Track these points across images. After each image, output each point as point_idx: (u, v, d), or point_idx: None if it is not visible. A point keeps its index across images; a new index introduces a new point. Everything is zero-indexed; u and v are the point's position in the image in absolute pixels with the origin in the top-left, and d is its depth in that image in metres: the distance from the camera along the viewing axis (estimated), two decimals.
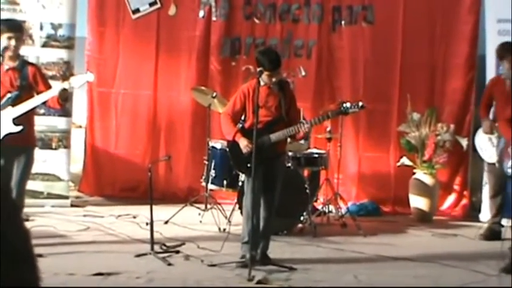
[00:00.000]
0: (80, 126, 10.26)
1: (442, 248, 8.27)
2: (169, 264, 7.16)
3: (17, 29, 7.86)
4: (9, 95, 7.44)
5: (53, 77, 8.54)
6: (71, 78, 8.11)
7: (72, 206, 9.65)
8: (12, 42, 7.51)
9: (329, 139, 9.02)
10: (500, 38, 9.30)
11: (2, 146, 7.36)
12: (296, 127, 7.36)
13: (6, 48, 7.49)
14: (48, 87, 7.62)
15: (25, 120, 7.49)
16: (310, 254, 7.75)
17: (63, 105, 8.29)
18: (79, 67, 9.56)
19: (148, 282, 6.64)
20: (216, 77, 10.10)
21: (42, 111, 8.20)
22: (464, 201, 9.86)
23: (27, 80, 7.53)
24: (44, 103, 7.78)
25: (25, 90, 7.48)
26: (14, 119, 7.41)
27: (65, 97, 7.65)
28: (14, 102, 7.43)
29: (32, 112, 7.59)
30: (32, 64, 7.87)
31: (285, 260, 7.28)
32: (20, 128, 7.42)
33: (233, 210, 8.37)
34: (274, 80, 7.21)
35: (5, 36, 7.58)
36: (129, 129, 10.33)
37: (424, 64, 9.97)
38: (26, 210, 7.93)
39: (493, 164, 8.55)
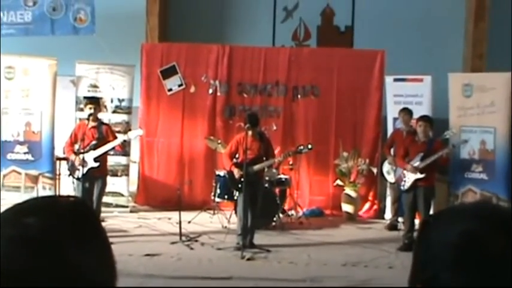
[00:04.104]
0: (135, 162, 10.22)
1: (361, 236, 8.31)
2: (191, 249, 7.23)
3: (96, 102, 8.00)
4: (92, 143, 7.54)
5: (119, 132, 8.58)
6: (129, 133, 8.27)
7: (130, 212, 9.61)
8: (93, 110, 7.63)
9: (291, 169, 9.08)
10: (396, 106, 9.46)
11: (87, 175, 7.45)
12: (271, 161, 7.49)
13: (90, 115, 7.61)
14: (115, 138, 7.73)
15: (101, 158, 7.59)
16: (279, 241, 7.77)
17: (124, 148, 8.39)
18: (134, 125, 9.61)
19: (178, 260, 6.72)
20: (220, 131, 10.00)
21: (111, 152, 8.22)
22: (375, 207, 9.82)
23: (103, 134, 7.63)
24: (113, 148, 7.89)
25: (101, 140, 7.57)
26: (94, 158, 7.50)
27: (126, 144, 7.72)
28: (95, 147, 7.53)
29: (105, 153, 7.69)
30: (105, 124, 7.99)
31: (263, 245, 7.32)
32: (98, 163, 7.51)
33: (231, 214, 8.34)
34: (255, 132, 7.34)
35: (88, 106, 7.72)
36: (165, 164, 10.16)
37: (350, 121, 9.92)
38: (102, 215, 7.98)
39: (393, 183, 8.63)
